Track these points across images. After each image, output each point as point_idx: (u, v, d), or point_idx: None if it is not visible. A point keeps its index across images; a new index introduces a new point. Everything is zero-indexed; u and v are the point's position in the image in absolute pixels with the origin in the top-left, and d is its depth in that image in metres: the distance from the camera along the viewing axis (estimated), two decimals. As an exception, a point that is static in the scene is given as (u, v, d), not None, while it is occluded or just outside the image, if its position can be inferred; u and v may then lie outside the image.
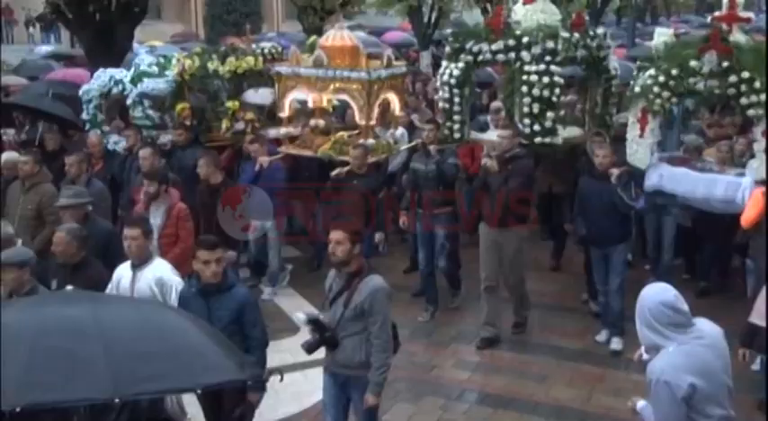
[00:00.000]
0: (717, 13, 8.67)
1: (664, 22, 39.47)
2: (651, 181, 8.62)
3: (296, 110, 10.66)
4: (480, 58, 8.85)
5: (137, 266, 6.22)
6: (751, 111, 8.03)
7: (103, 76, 11.39)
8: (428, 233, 8.96)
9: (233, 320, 5.49)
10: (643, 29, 31.78)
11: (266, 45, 11.39)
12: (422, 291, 9.12)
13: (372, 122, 9.46)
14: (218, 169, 8.62)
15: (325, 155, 9.46)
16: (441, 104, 9.21)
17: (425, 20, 26.37)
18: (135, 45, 17.79)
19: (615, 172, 8.06)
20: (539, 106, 8.51)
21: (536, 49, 8.53)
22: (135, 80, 11.07)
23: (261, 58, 10.95)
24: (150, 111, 11.11)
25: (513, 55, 8.64)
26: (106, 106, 11.50)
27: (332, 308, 5.54)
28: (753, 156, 8.33)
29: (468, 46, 8.88)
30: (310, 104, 10.30)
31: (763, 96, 7.93)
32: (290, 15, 39.26)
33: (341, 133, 9.81)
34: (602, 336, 8.35)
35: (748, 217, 7.78)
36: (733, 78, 7.99)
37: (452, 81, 8.96)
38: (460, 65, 8.92)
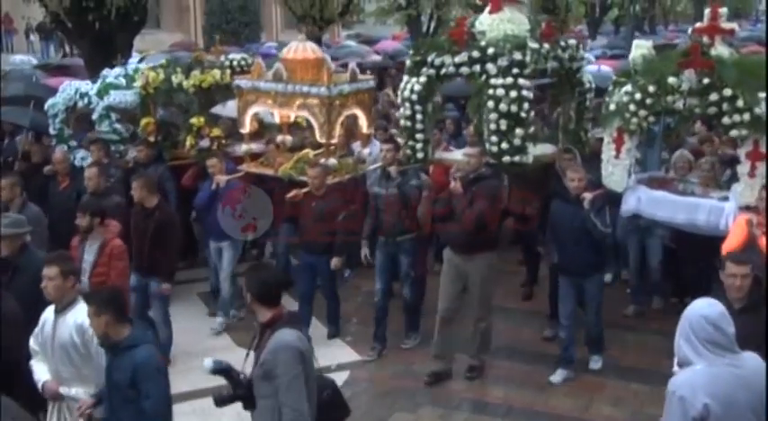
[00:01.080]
0: (697, 25, 7.85)
1: (661, 31, 38.54)
2: (628, 205, 7.83)
3: (270, 124, 9.94)
4: (443, 71, 8.04)
5: (59, 310, 5.40)
6: (734, 132, 7.23)
7: (69, 88, 10.71)
8: (389, 261, 8.18)
9: (129, 385, 4.64)
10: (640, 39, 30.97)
11: (236, 57, 10.59)
12: (377, 321, 8.25)
13: (334, 141, 8.66)
14: (152, 192, 7.87)
15: (285, 174, 8.68)
16: (402, 122, 8.42)
17: (424, 29, 25.91)
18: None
19: (588, 196, 7.28)
20: (506, 122, 7.70)
21: (502, 61, 7.72)
22: (101, 92, 10.38)
23: (228, 72, 10.15)
24: (118, 125, 10.44)
25: (477, 68, 7.83)
26: (75, 120, 10.80)
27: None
28: (736, 177, 7.51)
29: (429, 59, 8.07)
30: (276, 119, 9.55)
31: (746, 116, 7.12)
32: (290, 24, 38.69)
33: (305, 151, 9.02)
34: (556, 377, 7.57)
35: (730, 244, 6.96)
36: (714, 96, 7.20)
37: (414, 97, 8.17)
38: (422, 79, 8.13)
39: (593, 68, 12.36)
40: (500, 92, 7.67)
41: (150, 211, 7.86)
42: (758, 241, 6.74)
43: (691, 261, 8.51)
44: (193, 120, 9.91)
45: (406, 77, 8.29)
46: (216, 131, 9.79)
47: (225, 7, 38.62)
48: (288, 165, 8.82)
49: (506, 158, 7.75)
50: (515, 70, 7.70)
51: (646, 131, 7.72)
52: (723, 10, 7.72)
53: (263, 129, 9.97)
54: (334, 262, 8.22)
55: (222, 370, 4.60)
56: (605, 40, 32.82)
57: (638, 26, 34.57)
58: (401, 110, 8.38)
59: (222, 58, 10.42)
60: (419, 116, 8.24)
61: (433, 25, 26.80)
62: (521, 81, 7.70)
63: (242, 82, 9.09)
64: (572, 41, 8.52)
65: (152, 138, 10.16)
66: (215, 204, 8.77)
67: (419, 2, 26.60)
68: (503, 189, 7.78)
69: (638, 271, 8.82)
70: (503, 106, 7.65)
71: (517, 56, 7.73)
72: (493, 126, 7.74)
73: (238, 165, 9.21)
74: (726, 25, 7.67)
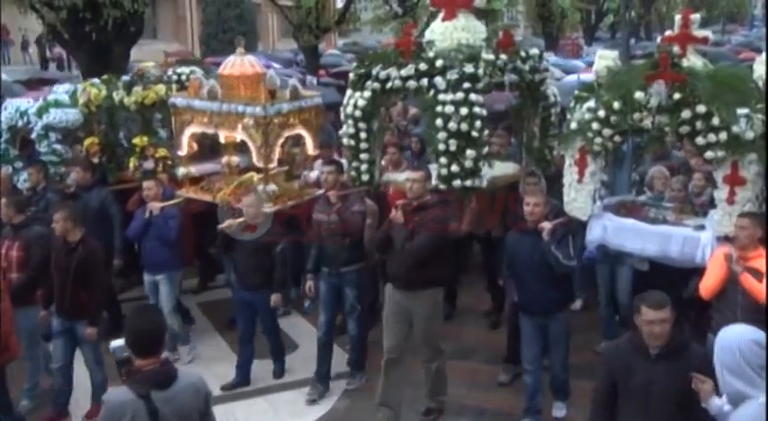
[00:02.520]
0: (667, 33, 6.89)
1: (657, 38, 37.48)
2: (593, 235, 6.87)
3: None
4: (389, 85, 7.10)
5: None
6: (709, 154, 6.26)
7: (11, 107, 9.82)
8: (334, 294, 7.24)
9: None
10: (636, 45, 30.05)
11: (185, 70, 9.63)
12: (319, 360, 7.31)
13: (272, 164, 7.71)
14: (77, 225, 6.89)
15: (223, 201, 7.74)
16: (345, 141, 7.48)
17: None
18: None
19: (547, 226, 6.33)
20: (456, 143, 6.75)
21: (452, 75, 6.77)
22: (41, 111, 9.46)
23: (175, 87, 9.20)
24: (58, 146, 9.52)
25: (425, 81, 6.89)
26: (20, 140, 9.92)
27: None
28: (713, 202, 6.55)
29: (374, 71, 7.13)
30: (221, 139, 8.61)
31: (723, 135, 6.15)
32: (286, 33, 37.82)
33: (249, 175, 8.05)
34: None
35: (708, 286, 6.04)
36: (686, 113, 6.23)
37: (357, 113, 7.24)
38: (366, 94, 7.20)
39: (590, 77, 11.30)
40: (449, 108, 6.73)
41: (73, 246, 6.88)
42: (740, 279, 5.79)
43: (665, 289, 7.52)
44: (136, 141, 8.98)
45: (349, 92, 7.35)
46: (162, 152, 8.84)
47: (221, 17, 38.00)
48: (227, 190, 7.89)
49: (457, 182, 6.80)
50: (466, 84, 6.77)
51: (612, 152, 6.74)
52: (695, 16, 6.77)
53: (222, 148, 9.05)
54: (274, 299, 7.28)
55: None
56: (600, 47, 31.71)
57: (633, 32, 33.54)
58: (344, 127, 7.43)
59: (170, 71, 9.45)
60: (363, 134, 7.33)
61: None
62: (472, 96, 6.75)
63: (177, 100, 8.17)
64: (534, 51, 7.56)
65: (95, 160, 9.24)
66: (149, 233, 7.85)
67: (415, 10, 26.13)
68: (450, 219, 6.77)
69: (609, 302, 7.83)
70: (452, 125, 6.72)
71: (469, 68, 6.78)
72: (441, 146, 6.80)
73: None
74: (698, 33, 6.73)
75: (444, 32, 7.21)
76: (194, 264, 9.62)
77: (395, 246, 6.46)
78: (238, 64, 7.90)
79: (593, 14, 35.93)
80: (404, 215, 6.40)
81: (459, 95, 6.72)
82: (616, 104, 6.45)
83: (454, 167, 6.77)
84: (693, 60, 6.68)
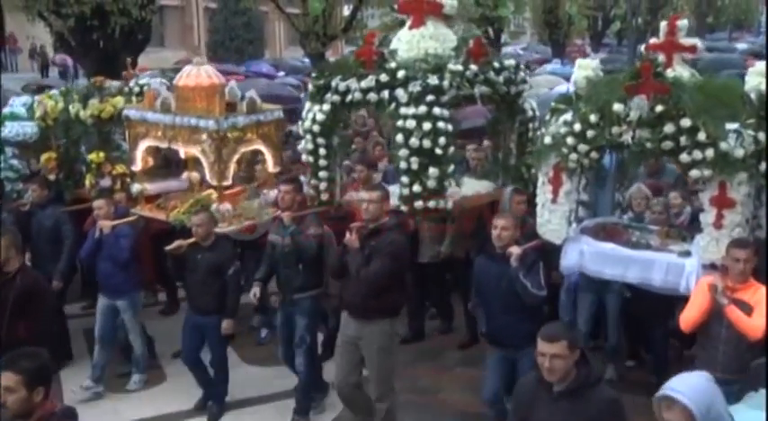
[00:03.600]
0: (652, 40, 6.23)
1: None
2: (569, 260, 6.20)
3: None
4: (349, 97, 6.46)
5: None
6: (694, 172, 5.58)
7: (-36, 120, 9.24)
8: (289, 325, 6.60)
9: None
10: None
11: (147, 81, 8.96)
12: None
13: (227, 182, 7.09)
14: (18, 252, 6.25)
15: (177, 220, 7.13)
16: (304, 157, 6.85)
17: None
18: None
19: (515, 251, 5.67)
20: (418, 160, 6.10)
21: (414, 87, 6.12)
22: (-3, 124, 8.90)
23: (135, 99, 8.56)
24: (14, 161, 8.92)
25: (386, 94, 6.24)
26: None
27: None
28: (693, 222, 5.88)
29: (334, 83, 6.50)
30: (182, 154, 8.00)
31: (709, 152, 5.48)
32: (293, 41, 37.31)
33: (207, 192, 7.43)
34: None
35: (689, 318, 5.39)
36: (670, 128, 5.55)
37: (315, 128, 6.62)
38: (325, 107, 6.57)
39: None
40: (410, 123, 6.08)
41: (10, 277, 6.22)
42: (725, 311, 5.12)
43: (649, 318, 6.87)
44: (92, 157, 8.37)
45: (308, 105, 6.72)
46: (120, 168, 8.23)
47: (228, 24, 37.75)
48: (181, 208, 7.28)
49: (419, 204, 6.14)
50: (430, 97, 6.11)
51: (588, 169, 6.07)
52: (682, 22, 6.11)
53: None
54: (225, 325, 6.64)
55: None
56: (605, 53, 31.04)
57: (640, 39, 32.70)
58: (302, 143, 6.80)
59: (132, 82, 8.82)
60: (322, 150, 6.69)
61: None
62: (436, 110, 6.09)
63: (131, 112, 7.57)
64: (509, 62, 6.90)
65: (52, 176, 8.65)
66: (101, 254, 7.24)
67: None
68: (406, 244, 6.10)
69: (591, 332, 7.14)
70: (413, 141, 6.07)
71: (433, 80, 6.13)
72: (403, 164, 6.15)
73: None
74: (686, 41, 6.06)
75: (411, 41, 6.59)
76: (156, 286, 9.03)
77: (350, 273, 5.83)
78: (194, 74, 7.25)
79: (600, 21, 35.23)
80: (359, 239, 5.78)
81: (422, 109, 6.08)
82: (593, 117, 5.80)
83: (416, 187, 6.13)
84: (680, 70, 6.03)
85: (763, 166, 5.59)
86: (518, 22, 41.46)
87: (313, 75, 6.79)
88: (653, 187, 7.15)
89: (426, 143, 6.05)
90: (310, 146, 6.72)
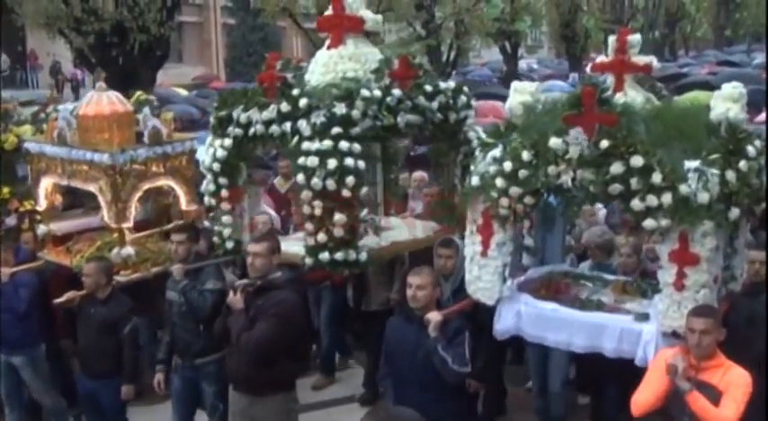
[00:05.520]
0: (598, 59, 5.09)
1: (683, 57, 35.13)
2: (504, 324, 5.07)
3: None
4: (252, 130, 5.40)
5: None
6: (649, 223, 4.41)
7: None
8: (188, 389, 5.56)
9: None
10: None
11: (68, 107, 7.88)
12: None
13: (128, 224, 6.09)
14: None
15: (78, 266, 6.13)
16: (206, 200, 5.80)
17: (444, 58, 24.71)
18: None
19: (433, 318, 4.57)
20: (322, 205, 5.02)
21: (318, 117, 5.04)
22: None
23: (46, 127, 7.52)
24: None
25: (288, 126, 5.17)
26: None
27: None
28: (655, 287, 4.72)
29: (235, 114, 5.45)
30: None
31: (667, 197, 4.33)
32: (311, 56, 36.33)
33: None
34: None
35: (641, 402, 4.27)
36: (617, 167, 4.41)
37: (216, 166, 5.57)
38: (227, 142, 5.52)
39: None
40: (313, 161, 5.00)
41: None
42: (687, 399, 3.97)
43: (604, 380, 5.71)
44: (-6, 192, 7.40)
45: (209, 139, 5.69)
46: (29, 205, 7.25)
47: (246, 40, 37.20)
48: (86, 252, 6.29)
49: (324, 256, 5.05)
50: (336, 129, 5.02)
51: (523, 217, 4.94)
52: (634, 37, 4.94)
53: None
54: (124, 391, 5.63)
55: None
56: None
57: (658, 52, 31.38)
58: (204, 183, 5.77)
59: (50, 108, 7.82)
60: (225, 192, 5.61)
61: (453, 55, 25.42)
62: (344, 144, 5.01)
63: (30, 145, 6.63)
64: (447, 85, 5.78)
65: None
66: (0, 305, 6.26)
67: (439, 31, 25.04)
68: (298, 303, 4.99)
69: (541, 392, 5.98)
70: (316, 181, 4.98)
71: (340, 109, 5.04)
72: (306, 209, 5.07)
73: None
74: (639, 59, 4.90)
75: (327, 63, 5.53)
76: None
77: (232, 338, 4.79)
78: (95, 102, 6.27)
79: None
80: (244, 298, 4.72)
81: (327, 143, 4.99)
82: (525, 155, 4.67)
83: (321, 236, 5.03)
84: (633, 95, 4.87)
85: (734, 213, 4.45)
86: (535, 36, 40.22)
87: (214, 104, 5.74)
88: (627, 224, 6.01)
89: (330, 184, 4.96)
90: (212, 187, 5.67)
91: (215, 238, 5.77)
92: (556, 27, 32.62)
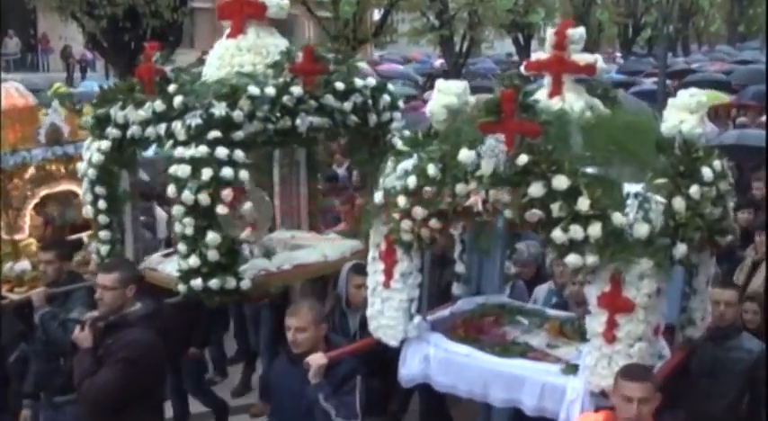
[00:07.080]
0: (534, 56, 4.15)
1: (695, 52, 33.77)
2: (409, 370, 4.16)
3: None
4: (130, 132, 4.52)
5: None
6: (572, 259, 3.47)
7: None
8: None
9: None
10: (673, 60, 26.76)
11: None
12: None
13: (22, 235, 5.24)
14: None
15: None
16: (84, 211, 4.93)
17: (457, 49, 23.99)
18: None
19: (315, 362, 3.69)
20: (194, 222, 4.14)
21: (193, 119, 4.14)
22: None
23: None
24: None
25: (163, 128, 4.29)
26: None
27: None
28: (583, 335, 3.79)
29: (113, 113, 4.57)
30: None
31: (595, 228, 3.40)
32: (323, 44, 35.62)
33: (27, 242, 5.57)
34: None
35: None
36: (537, 189, 3.48)
37: (92, 172, 4.70)
38: (104, 145, 4.64)
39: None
40: (184, 170, 4.11)
41: None
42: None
43: None
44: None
45: (86, 142, 4.81)
46: None
47: (259, 26, 36.18)
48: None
49: (196, 283, 4.17)
50: (214, 133, 4.13)
51: (429, 245, 4.02)
52: (576, 31, 3.99)
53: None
54: None
55: None
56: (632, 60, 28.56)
57: (671, 47, 30.12)
58: (81, 193, 4.91)
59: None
60: (103, 203, 4.74)
61: (465, 45, 24.54)
62: (221, 151, 4.12)
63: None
64: (364, 83, 4.84)
65: None
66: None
67: (452, 22, 24.38)
68: (153, 344, 4.11)
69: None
70: (186, 196, 4.09)
71: (219, 110, 4.14)
72: (178, 227, 4.19)
73: None
74: (580, 58, 3.94)
75: (223, 56, 4.63)
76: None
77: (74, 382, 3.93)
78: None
79: (631, 28, 32.69)
80: (93, 335, 3.86)
81: (202, 149, 4.09)
82: (432, 169, 3.75)
83: (193, 260, 4.14)
84: (572, 100, 3.92)
85: (681, 250, 3.51)
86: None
87: (93, 101, 4.85)
88: None
89: (203, 198, 4.07)
90: (89, 196, 4.79)
91: (93, 256, 4.89)
92: (569, 19, 31.54)
